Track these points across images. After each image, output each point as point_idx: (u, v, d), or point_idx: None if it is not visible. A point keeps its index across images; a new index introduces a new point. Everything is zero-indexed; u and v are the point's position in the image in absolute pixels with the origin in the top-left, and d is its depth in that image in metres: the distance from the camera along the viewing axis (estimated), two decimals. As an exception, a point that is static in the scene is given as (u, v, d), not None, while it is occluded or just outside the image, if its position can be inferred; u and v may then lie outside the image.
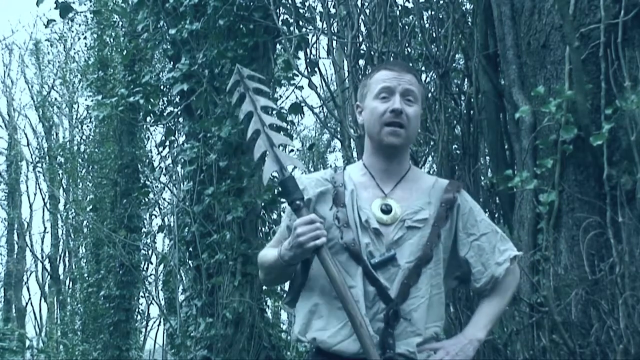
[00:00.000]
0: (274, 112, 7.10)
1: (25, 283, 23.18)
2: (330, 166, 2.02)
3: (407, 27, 4.46)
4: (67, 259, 21.24)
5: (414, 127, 1.99)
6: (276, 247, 1.99)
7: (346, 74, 4.95)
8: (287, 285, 2.08)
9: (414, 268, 1.90)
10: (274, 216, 6.78)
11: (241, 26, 6.59)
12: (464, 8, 4.55)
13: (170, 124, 7.81)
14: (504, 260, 1.98)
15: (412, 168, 2.07)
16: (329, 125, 5.48)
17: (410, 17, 4.65)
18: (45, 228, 22.62)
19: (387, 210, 1.94)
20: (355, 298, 1.86)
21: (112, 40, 12.15)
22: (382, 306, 1.87)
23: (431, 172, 4.23)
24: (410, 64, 4.34)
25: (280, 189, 2.04)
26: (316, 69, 4.96)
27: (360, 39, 4.45)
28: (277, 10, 5.74)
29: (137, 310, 12.86)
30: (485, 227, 2.01)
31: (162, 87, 8.14)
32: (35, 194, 24.57)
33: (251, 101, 2.06)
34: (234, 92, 2.13)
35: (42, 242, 23.20)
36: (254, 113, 2.05)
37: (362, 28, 4.47)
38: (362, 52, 4.44)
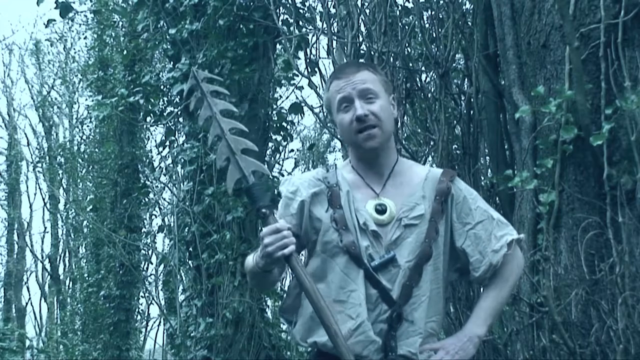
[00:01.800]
0: (275, 111, 7.13)
1: (25, 283, 23.16)
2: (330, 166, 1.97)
3: (407, 27, 4.45)
4: (67, 259, 21.23)
5: (387, 120, 1.96)
6: None
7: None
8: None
9: (414, 267, 1.88)
10: (274, 216, 6.77)
11: (241, 26, 6.59)
12: (464, 8, 4.54)
13: (170, 124, 7.81)
14: (501, 246, 1.95)
15: (400, 160, 2.04)
16: (329, 125, 5.47)
17: (410, 17, 4.65)
18: (45, 228, 22.61)
19: (382, 210, 1.92)
20: (357, 301, 1.85)
21: (112, 40, 12.13)
22: (384, 308, 1.86)
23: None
24: (410, 64, 4.34)
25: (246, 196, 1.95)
26: (316, 69, 4.95)
27: (360, 39, 4.45)
28: (277, 10, 5.74)
29: (137, 310, 12.84)
30: (480, 214, 1.98)
31: (162, 87, 8.14)
32: (35, 194, 24.56)
33: (209, 106, 1.98)
34: (191, 97, 2.03)
35: (42, 242, 23.19)
36: (213, 118, 1.97)
37: (362, 28, 4.46)
38: (362, 52, 4.44)
